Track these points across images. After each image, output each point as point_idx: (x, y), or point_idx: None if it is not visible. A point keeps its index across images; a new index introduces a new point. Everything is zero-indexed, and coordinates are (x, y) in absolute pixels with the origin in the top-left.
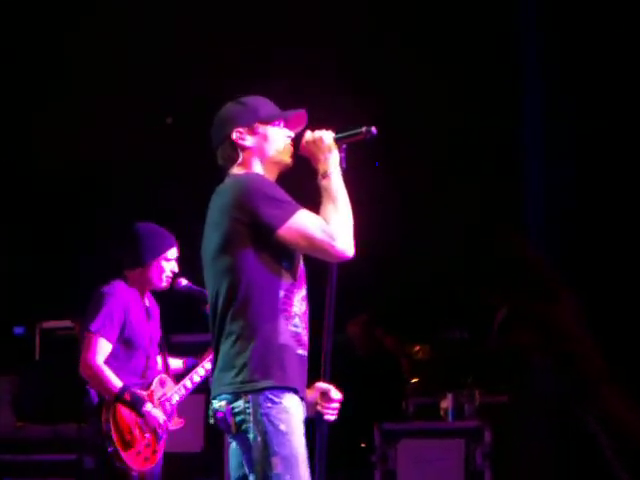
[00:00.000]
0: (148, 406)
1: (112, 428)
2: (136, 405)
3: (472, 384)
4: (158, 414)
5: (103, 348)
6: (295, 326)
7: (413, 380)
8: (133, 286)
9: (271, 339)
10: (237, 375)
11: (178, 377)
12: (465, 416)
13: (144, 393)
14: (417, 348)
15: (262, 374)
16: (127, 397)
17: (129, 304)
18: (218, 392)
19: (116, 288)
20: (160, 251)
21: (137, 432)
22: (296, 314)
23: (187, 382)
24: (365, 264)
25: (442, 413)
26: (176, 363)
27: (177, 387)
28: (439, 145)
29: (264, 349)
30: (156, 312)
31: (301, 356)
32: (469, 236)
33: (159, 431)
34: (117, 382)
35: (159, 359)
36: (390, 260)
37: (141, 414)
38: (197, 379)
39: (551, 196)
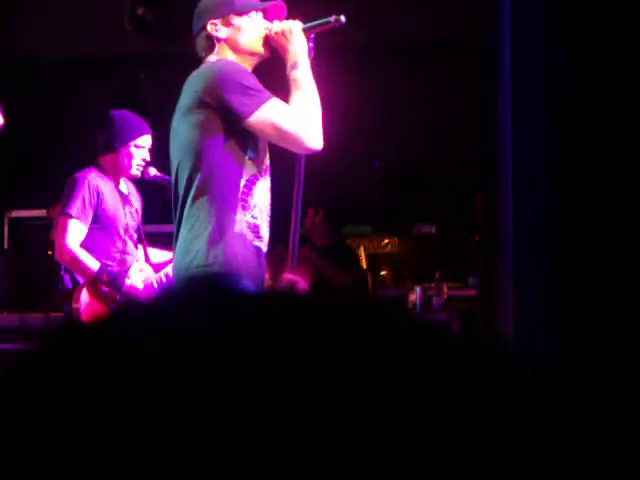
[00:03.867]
0: (128, 281)
1: (81, 315)
2: (116, 282)
3: (441, 278)
4: (139, 283)
5: (78, 231)
6: (254, 217)
7: (382, 273)
8: (107, 173)
9: (227, 226)
10: (192, 260)
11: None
12: (433, 309)
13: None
14: (386, 241)
15: (215, 260)
16: (105, 277)
17: (102, 189)
18: (176, 276)
19: (88, 173)
20: (130, 137)
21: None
22: (256, 205)
23: (162, 275)
24: (336, 155)
25: (410, 306)
26: (160, 255)
27: (156, 276)
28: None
29: (219, 236)
30: (137, 201)
31: (258, 248)
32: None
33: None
34: (94, 264)
35: (139, 249)
36: (360, 152)
37: (122, 292)
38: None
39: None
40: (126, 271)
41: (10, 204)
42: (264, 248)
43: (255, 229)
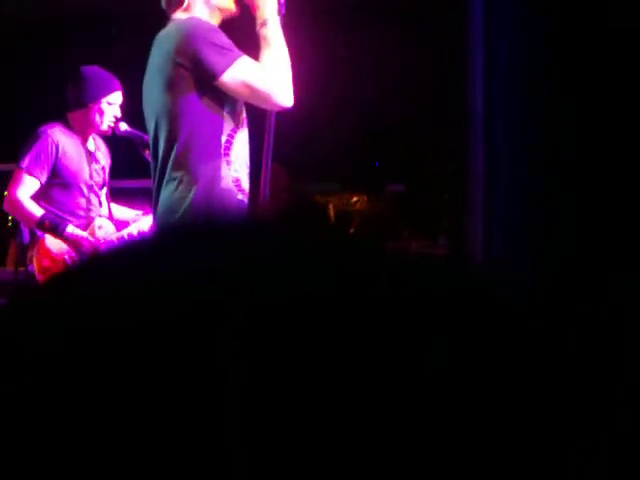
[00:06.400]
0: (69, 228)
1: (36, 266)
2: (57, 229)
3: (409, 235)
4: (83, 233)
5: (29, 185)
6: (236, 171)
7: (351, 230)
8: (75, 128)
9: (213, 184)
10: (180, 219)
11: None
12: None
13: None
14: (355, 199)
15: (202, 217)
16: (47, 223)
17: (64, 144)
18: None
19: (51, 127)
20: (102, 93)
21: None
22: (238, 158)
23: (124, 233)
24: (305, 113)
25: None
26: (124, 212)
27: (118, 234)
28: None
29: (206, 194)
30: (105, 158)
31: (240, 201)
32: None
33: (85, 248)
34: (38, 211)
35: (104, 206)
36: (330, 110)
37: (64, 237)
38: (135, 233)
39: None
40: (71, 220)
41: None
42: (245, 200)
43: (237, 182)
